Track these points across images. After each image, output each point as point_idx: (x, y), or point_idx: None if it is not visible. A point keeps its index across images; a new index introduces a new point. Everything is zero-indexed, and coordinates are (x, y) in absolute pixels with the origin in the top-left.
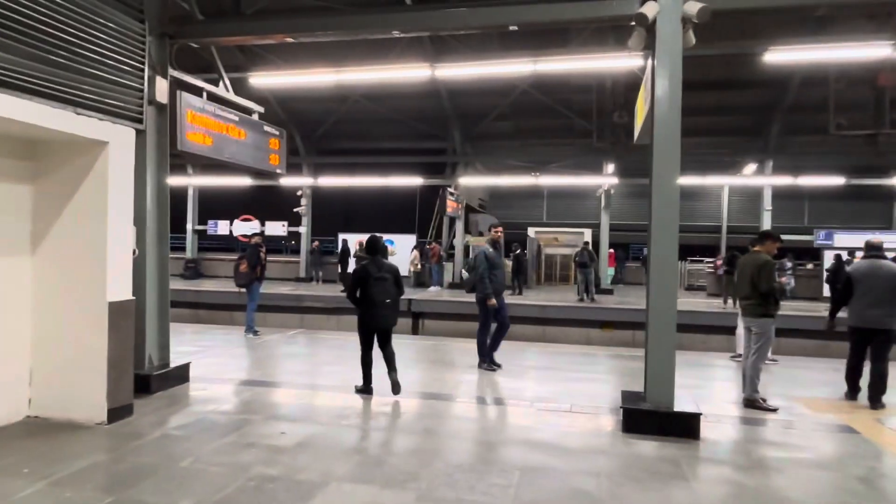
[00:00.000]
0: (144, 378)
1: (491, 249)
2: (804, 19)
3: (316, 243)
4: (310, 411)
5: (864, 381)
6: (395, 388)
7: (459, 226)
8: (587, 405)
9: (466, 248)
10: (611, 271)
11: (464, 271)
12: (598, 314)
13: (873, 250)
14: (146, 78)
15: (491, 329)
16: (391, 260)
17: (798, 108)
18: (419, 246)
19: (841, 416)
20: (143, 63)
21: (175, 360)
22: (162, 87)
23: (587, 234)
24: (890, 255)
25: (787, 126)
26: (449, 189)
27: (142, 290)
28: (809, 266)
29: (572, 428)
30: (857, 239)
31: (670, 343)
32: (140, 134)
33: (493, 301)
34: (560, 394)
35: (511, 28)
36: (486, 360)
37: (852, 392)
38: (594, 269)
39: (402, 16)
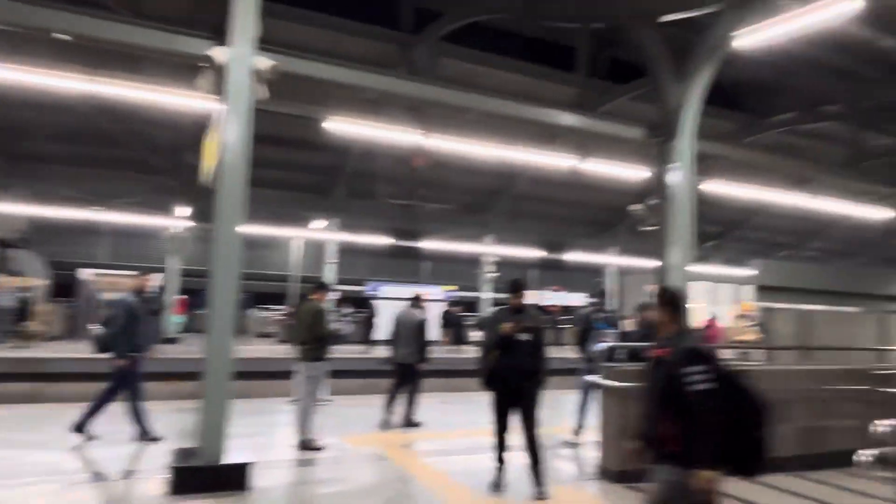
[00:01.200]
0: None
1: (134, 299)
2: (360, 99)
3: None
4: None
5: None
6: None
7: None
8: (136, 470)
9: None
10: (179, 319)
11: (97, 327)
12: (162, 366)
13: (411, 301)
14: None
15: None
16: None
17: (358, 174)
18: None
19: (379, 446)
20: None
21: None
22: None
23: (157, 279)
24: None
25: (350, 189)
26: None
27: None
28: (359, 312)
29: (114, 500)
30: (400, 291)
31: (223, 393)
32: None
33: (124, 362)
34: (105, 460)
35: (60, 37)
36: (143, 429)
37: (385, 422)
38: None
39: None
